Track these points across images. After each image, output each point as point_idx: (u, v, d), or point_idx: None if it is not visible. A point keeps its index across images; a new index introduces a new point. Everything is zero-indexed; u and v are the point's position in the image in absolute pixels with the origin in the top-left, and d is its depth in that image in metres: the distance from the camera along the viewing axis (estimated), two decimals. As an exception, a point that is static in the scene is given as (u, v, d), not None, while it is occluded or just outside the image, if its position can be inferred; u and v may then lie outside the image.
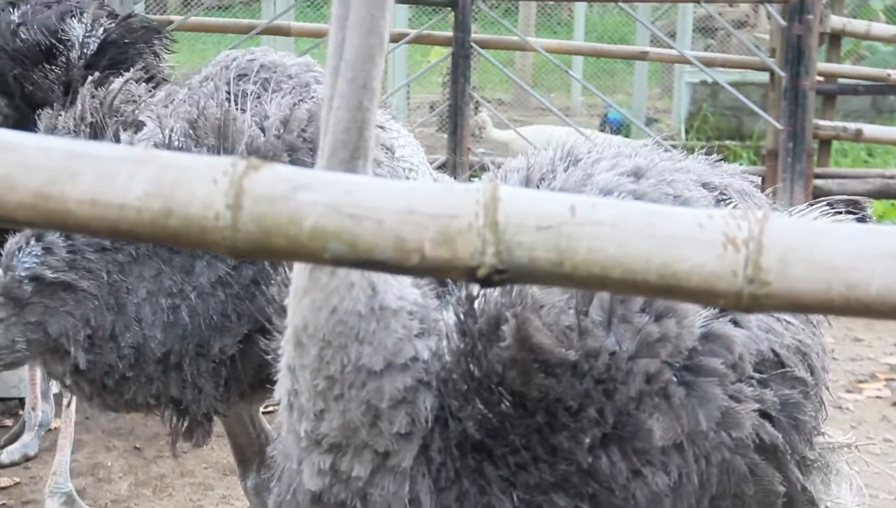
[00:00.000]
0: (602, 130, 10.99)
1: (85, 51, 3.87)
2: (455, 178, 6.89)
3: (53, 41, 3.88)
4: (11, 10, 4.02)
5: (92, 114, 2.93)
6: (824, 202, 2.31)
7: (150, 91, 3.12)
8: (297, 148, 2.81)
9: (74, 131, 2.93)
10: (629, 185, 2.12)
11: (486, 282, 1.18)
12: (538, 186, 2.18)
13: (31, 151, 1.11)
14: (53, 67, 3.87)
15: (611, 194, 2.09)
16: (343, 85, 1.64)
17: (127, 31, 3.96)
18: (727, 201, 2.21)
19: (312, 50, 7.69)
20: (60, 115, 3.01)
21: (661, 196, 2.10)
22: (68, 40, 3.89)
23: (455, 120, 7.18)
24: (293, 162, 2.76)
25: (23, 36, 3.92)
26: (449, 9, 7.13)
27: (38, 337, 2.81)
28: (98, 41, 3.90)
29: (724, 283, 1.15)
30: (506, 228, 1.16)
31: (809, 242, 1.14)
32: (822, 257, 1.13)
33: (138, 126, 2.95)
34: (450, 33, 7.19)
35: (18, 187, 1.11)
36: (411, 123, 11.41)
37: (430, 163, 6.87)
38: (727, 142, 11.36)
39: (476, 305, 1.94)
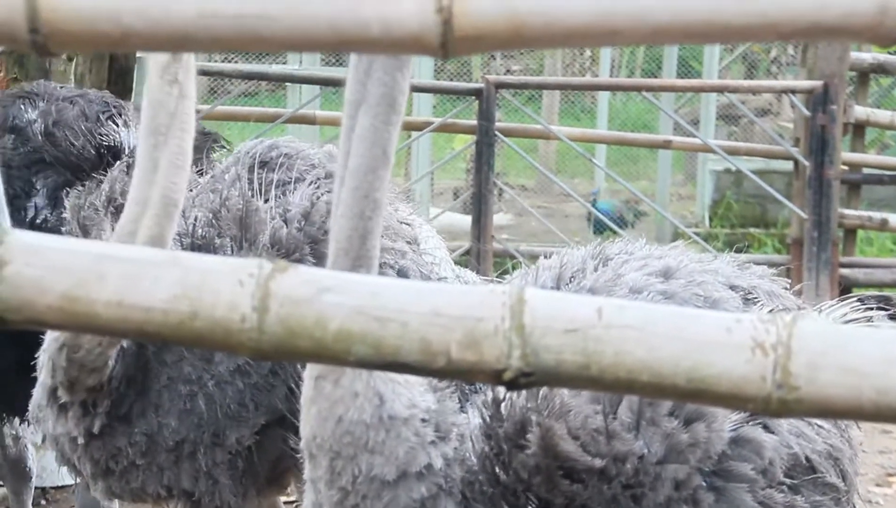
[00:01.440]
0: (589, 219, 10.88)
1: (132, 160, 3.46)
2: (479, 265, 6.89)
3: (98, 147, 3.45)
4: (23, 107, 3.52)
5: (121, 195, 2.93)
6: (854, 298, 2.29)
7: None
8: (318, 240, 2.80)
9: (102, 211, 2.93)
10: (659, 285, 2.12)
11: (512, 385, 1.17)
12: (569, 285, 2.18)
13: (59, 254, 1.12)
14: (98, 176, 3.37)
15: (640, 293, 2.08)
16: (346, 194, 1.66)
17: None
18: (756, 303, 2.20)
19: (338, 138, 7.76)
20: (90, 194, 3.01)
21: (691, 297, 2.10)
22: (112, 146, 3.46)
23: (479, 208, 7.20)
24: (314, 254, 2.76)
25: (60, 142, 3.46)
26: (473, 97, 7.18)
27: None
28: None
29: (753, 388, 1.14)
30: (532, 331, 1.16)
31: (839, 347, 1.13)
32: (851, 363, 1.12)
33: None
34: (474, 122, 7.24)
35: (47, 290, 1.11)
36: (435, 208, 11.45)
37: (454, 250, 6.89)
38: (751, 230, 11.35)
39: (502, 407, 1.93)
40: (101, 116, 3.50)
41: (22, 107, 3.51)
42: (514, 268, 10.26)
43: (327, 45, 1.17)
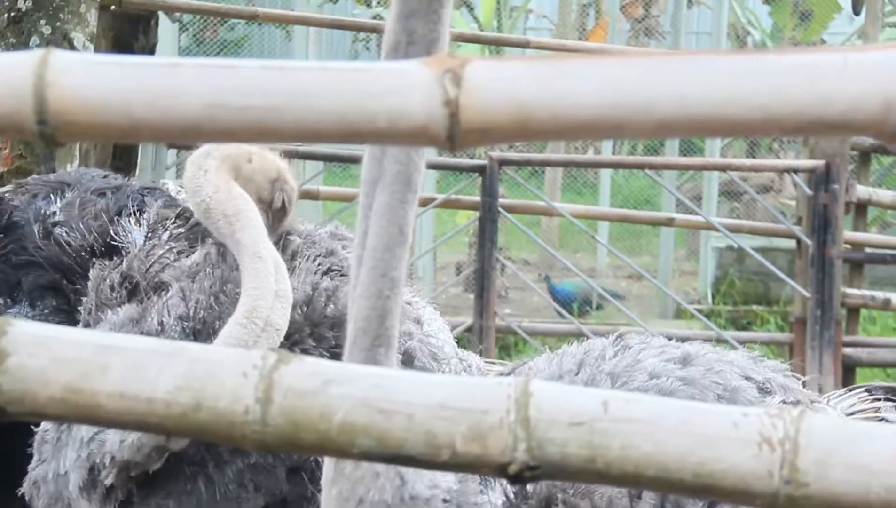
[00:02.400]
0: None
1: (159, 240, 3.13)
2: (482, 342, 6.87)
3: (104, 248, 3.18)
4: (52, 197, 3.32)
5: (139, 274, 2.93)
6: (862, 388, 2.29)
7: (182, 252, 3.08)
8: (318, 324, 2.80)
9: (117, 289, 2.92)
10: (677, 371, 2.14)
11: (517, 479, 1.17)
12: (588, 369, 2.19)
13: (62, 344, 1.12)
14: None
15: (659, 378, 2.11)
16: (364, 274, 1.66)
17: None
18: (771, 394, 2.21)
19: (341, 214, 7.78)
20: (113, 269, 2.99)
21: (710, 384, 2.12)
22: (123, 247, 3.18)
23: (482, 284, 7.20)
24: (314, 337, 2.76)
25: (62, 239, 3.20)
26: (477, 173, 7.22)
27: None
28: (164, 251, 3.16)
29: (761, 483, 1.13)
30: (538, 424, 1.15)
31: (847, 443, 1.13)
32: (860, 460, 1.11)
33: (163, 288, 2.94)
34: (477, 198, 7.27)
35: (50, 382, 1.11)
36: (437, 283, 11.45)
37: (457, 327, 6.88)
38: (754, 307, 11.35)
39: (528, 486, 1.92)
40: (122, 212, 3.26)
41: (50, 199, 3.31)
42: (517, 346, 10.26)
43: (334, 137, 1.18)
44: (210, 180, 2.66)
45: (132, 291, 2.88)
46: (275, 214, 2.87)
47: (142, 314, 2.75)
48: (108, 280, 2.93)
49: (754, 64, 1.14)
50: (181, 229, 3.14)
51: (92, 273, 3.01)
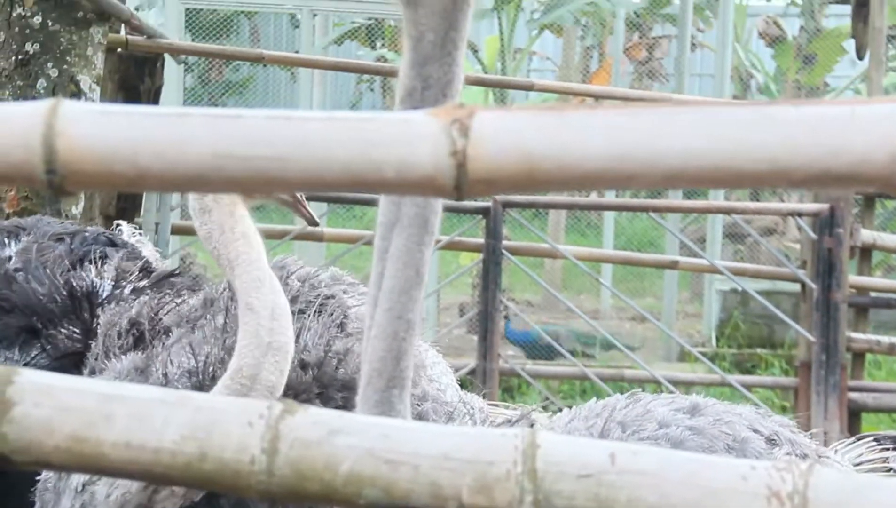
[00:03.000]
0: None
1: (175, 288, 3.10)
2: (485, 385, 6.86)
3: (66, 296, 3.10)
4: (6, 241, 3.22)
5: (147, 321, 2.91)
6: (870, 437, 2.29)
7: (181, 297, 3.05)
8: (328, 385, 2.78)
9: (123, 336, 2.91)
10: (686, 420, 2.15)
11: (523, 531, 1.16)
12: (598, 417, 2.22)
13: (68, 393, 1.12)
14: (67, 325, 3.09)
15: (668, 427, 2.12)
16: (380, 315, 1.65)
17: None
18: (778, 446, 2.21)
19: (345, 255, 7.78)
20: (122, 314, 2.97)
21: (719, 434, 2.13)
22: (87, 292, 3.12)
23: (485, 326, 7.20)
24: (322, 398, 2.74)
25: (19, 287, 3.11)
26: (480, 215, 7.22)
27: None
28: (126, 304, 3.04)
29: (769, 537, 1.12)
30: (545, 476, 1.14)
31: (855, 495, 1.12)
32: (869, 513, 1.11)
33: (167, 332, 2.92)
34: (481, 240, 7.27)
35: (55, 431, 1.10)
36: (441, 324, 11.43)
37: (460, 369, 6.86)
38: (758, 350, 11.32)
39: None
40: (84, 260, 3.20)
41: (4, 242, 3.23)
42: (520, 388, 10.23)
43: (341, 187, 1.18)
44: (214, 221, 2.63)
45: (139, 338, 2.87)
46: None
47: (147, 364, 2.73)
48: (116, 327, 2.93)
49: (761, 115, 1.14)
50: (144, 283, 3.15)
51: (102, 318, 3.00)
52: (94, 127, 1.11)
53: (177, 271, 3.37)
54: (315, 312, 2.91)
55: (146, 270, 3.22)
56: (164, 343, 2.84)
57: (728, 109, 1.15)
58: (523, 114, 1.17)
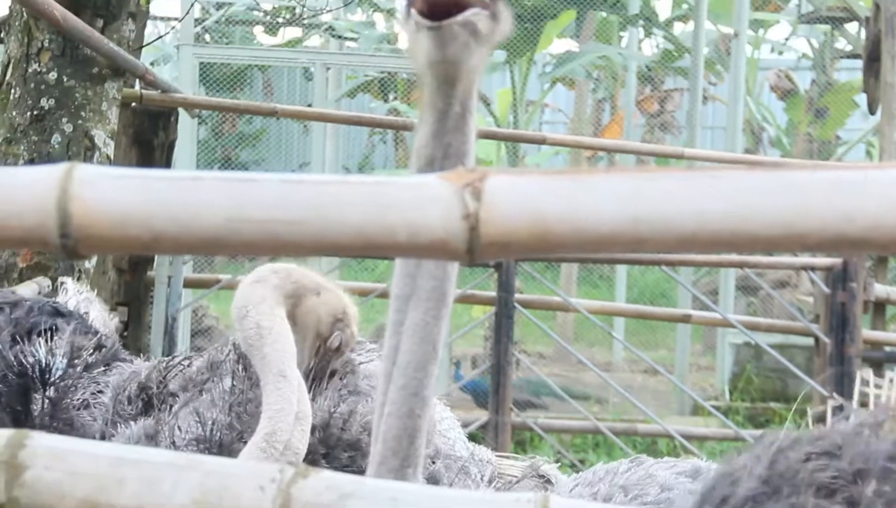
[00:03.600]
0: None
1: (65, 393, 2.88)
2: (497, 439, 6.82)
3: (20, 367, 2.88)
4: None
5: (157, 386, 2.89)
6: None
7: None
8: (333, 447, 2.78)
9: (133, 401, 2.88)
10: (689, 484, 2.14)
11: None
12: (602, 481, 2.23)
13: (79, 457, 1.11)
14: (16, 406, 2.86)
15: (670, 490, 2.11)
16: (394, 392, 1.64)
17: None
18: None
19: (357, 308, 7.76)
20: (133, 379, 2.93)
21: None
22: (37, 367, 2.89)
23: (497, 379, 7.17)
24: (328, 459, 2.74)
25: None
26: (493, 268, 7.22)
27: None
28: (81, 384, 2.90)
29: None
30: (558, 541, 1.14)
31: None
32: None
33: (174, 396, 2.90)
34: (493, 293, 7.26)
35: (67, 495, 1.10)
36: (452, 377, 11.40)
37: (472, 423, 6.83)
38: (772, 404, 11.25)
39: None
40: (32, 332, 2.98)
41: None
42: (532, 441, 10.18)
43: (354, 250, 1.18)
44: (265, 300, 2.59)
45: (147, 403, 2.86)
46: (327, 351, 2.82)
47: (156, 430, 2.72)
48: (126, 391, 2.91)
49: (775, 180, 1.14)
50: (98, 359, 2.99)
51: (111, 381, 2.98)
52: (108, 191, 1.12)
53: (132, 359, 3.15)
54: (324, 373, 2.90)
55: (100, 346, 3.02)
56: (171, 408, 2.83)
57: (741, 174, 1.15)
58: (536, 177, 1.17)
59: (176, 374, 2.92)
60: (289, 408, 2.49)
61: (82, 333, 3.04)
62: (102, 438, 2.84)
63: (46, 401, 2.86)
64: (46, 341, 2.95)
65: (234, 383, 2.80)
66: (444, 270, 1.66)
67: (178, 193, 1.13)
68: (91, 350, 2.97)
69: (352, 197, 1.16)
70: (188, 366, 2.95)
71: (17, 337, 2.94)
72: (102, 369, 2.97)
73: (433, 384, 1.67)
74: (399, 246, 1.17)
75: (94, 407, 2.92)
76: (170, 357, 3.04)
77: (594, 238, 1.15)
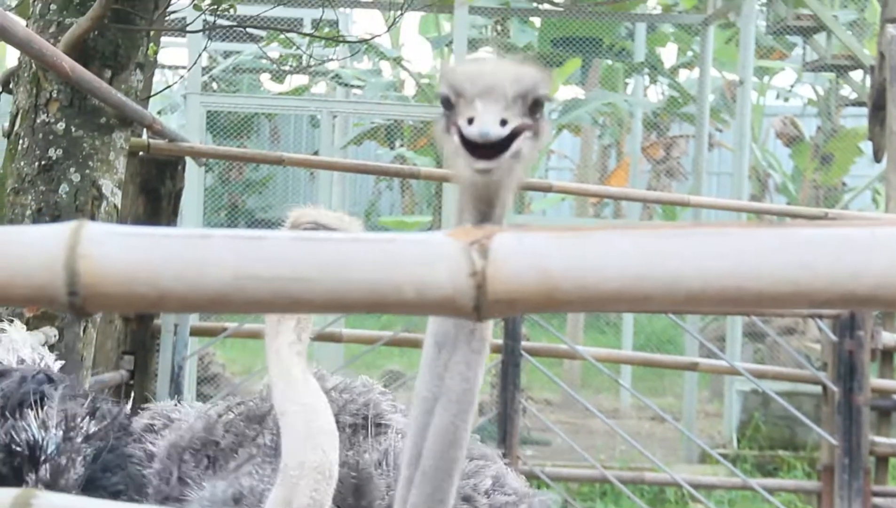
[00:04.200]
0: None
1: (61, 471, 2.62)
2: (504, 488, 6.78)
3: (8, 445, 2.64)
4: None
5: (188, 442, 2.85)
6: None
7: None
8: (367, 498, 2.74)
9: (199, 459, 2.84)
10: None
11: None
12: None
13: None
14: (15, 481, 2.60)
15: None
16: (417, 497, 1.60)
17: (124, 437, 2.81)
18: None
19: (363, 356, 7.76)
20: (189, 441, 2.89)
21: None
22: (27, 443, 2.66)
23: (504, 428, 7.14)
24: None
25: None
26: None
27: None
28: (79, 459, 2.67)
29: None
30: None
31: None
32: None
33: (234, 451, 2.84)
34: (499, 341, 7.24)
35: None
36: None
37: (479, 471, 6.78)
38: (780, 452, 11.19)
39: None
40: (23, 405, 2.72)
41: None
42: (539, 488, 10.12)
43: (362, 307, 1.18)
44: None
45: (213, 460, 2.81)
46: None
47: (241, 493, 2.67)
48: (187, 450, 2.86)
49: (781, 237, 1.14)
50: (95, 429, 2.78)
51: (135, 423, 2.93)
52: (116, 249, 1.12)
53: (127, 418, 2.95)
54: (355, 425, 2.87)
55: (94, 412, 2.81)
56: (237, 465, 2.77)
57: (748, 230, 1.16)
58: (542, 235, 1.17)
59: (228, 429, 2.88)
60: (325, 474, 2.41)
61: (72, 398, 2.80)
62: (166, 500, 2.74)
63: (40, 483, 2.62)
64: (37, 413, 2.71)
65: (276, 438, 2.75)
66: (476, 372, 1.64)
67: (185, 251, 1.14)
68: (85, 417, 2.75)
69: (359, 254, 1.16)
70: (235, 418, 2.91)
71: (7, 412, 2.70)
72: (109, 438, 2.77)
73: (454, 492, 1.62)
74: (407, 303, 1.17)
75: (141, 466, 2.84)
76: (208, 406, 2.99)
77: (600, 296, 1.15)
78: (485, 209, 1.60)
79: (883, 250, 1.12)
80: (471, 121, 1.52)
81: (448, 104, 1.58)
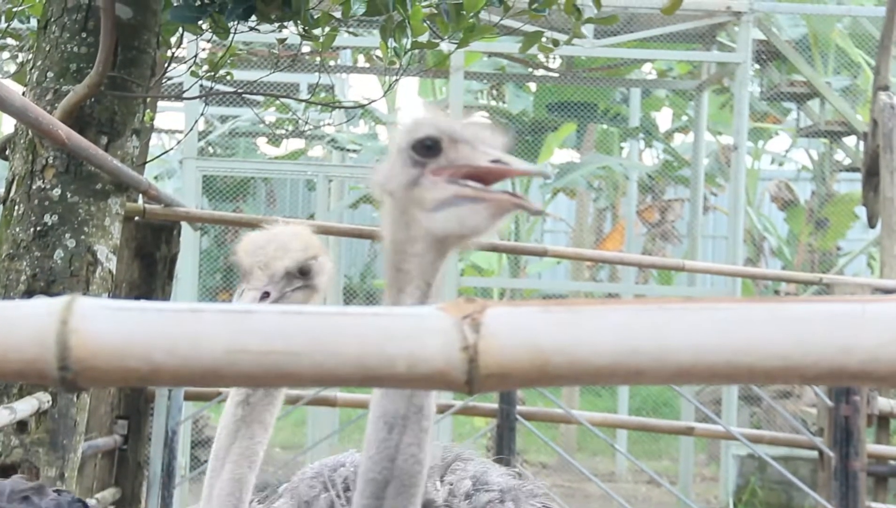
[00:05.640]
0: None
1: None
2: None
3: None
4: None
5: None
6: None
7: None
8: None
9: None
10: None
11: None
12: None
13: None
14: None
15: None
16: None
17: None
18: None
19: (358, 420, 7.71)
20: None
21: None
22: None
23: (500, 493, 7.09)
24: None
25: None
26: (494, 381, 7.18)
27: None
28: None
29: None
30: None
31: None
32: None
33: None
34: (495, 405, 7.22)
35: None
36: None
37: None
38: (777, 517, 11.12)
39: None
40: None
41: None
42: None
43: (353, 381, 1.18)
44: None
45: None
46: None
47: None
48: None
49: (772, 312, 1.15)
50: None
51: None
52: (107, 324, 1.12)
53: None
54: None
55: None
56: None
57: (739, 305, 1.16)
58: (534, 309, 1.18)
59: None
60: None
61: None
62: None
63: None
64: None
65: None
66: (426, 451, 1.62)
67: (177, 325, 1.14)
68: None
69: (351, 328, 1.16)
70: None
71: None
72: None
73: None
74: (398, 377, 1.17)
75: None
76: (257, 499, 2.91)
77: (592, 370, 1.16)
78: (438, 267, 1.61)
79: (873, 327, 1.12)
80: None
81: None
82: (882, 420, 7.73)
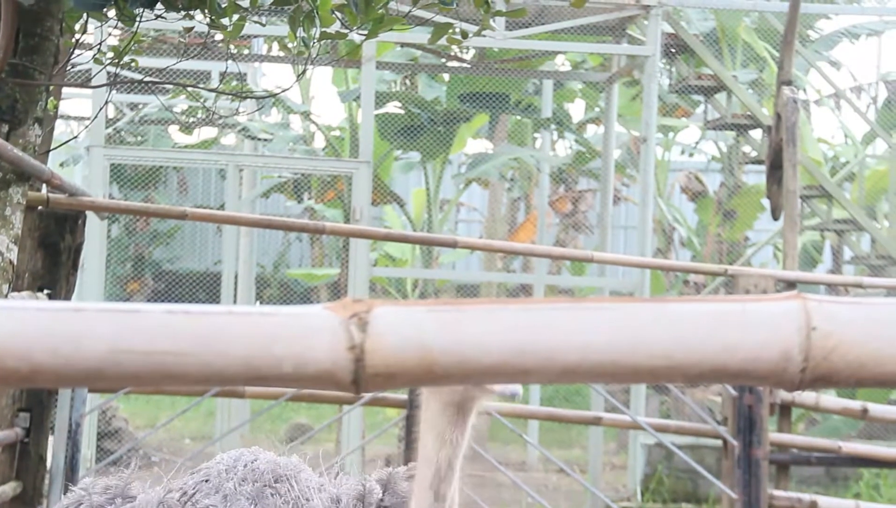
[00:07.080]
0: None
1: None
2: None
3: None
4: None
5: None
6: None
7: None
8: None
9: None
10: None
11: None
12: None
13: None
14: None
15: None
16: None
17: None
18: None
19: (266, 413, 7.68)
20: None
21: None
22: None
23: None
24: None
25: None
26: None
27: None
28: None
29: None
30: None
31: None
32: None
33: None
34: (404, 395, 7.22)
35: None
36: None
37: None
38: (683, 505, 11.28)
39: None
40: None
41: None
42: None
43: (240, 381, 1.17)
44: None
45: None
46: None
47: None
48: None
49: (656, 312, 1.16)
50: None
51: None
52: (-15, 323, 1.10)
53: None
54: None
55: None
56: None
57: (625, 305, 1.17)
58: (422, 308, 1.18)
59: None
60: None
61: None
62: None
63: None
64: None
65: None
66: None
67: (58, 324, 1.12)
68: None
69: (237, 328, 1.15)
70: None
71: None
72: None
73: None
74: (285, 377, 1.16)
75: None
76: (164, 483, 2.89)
77: (479, 369, 1.16)
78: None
79: (754, 327, 1.14)
80: None
81: None
82: (784, 409, 7.87)
